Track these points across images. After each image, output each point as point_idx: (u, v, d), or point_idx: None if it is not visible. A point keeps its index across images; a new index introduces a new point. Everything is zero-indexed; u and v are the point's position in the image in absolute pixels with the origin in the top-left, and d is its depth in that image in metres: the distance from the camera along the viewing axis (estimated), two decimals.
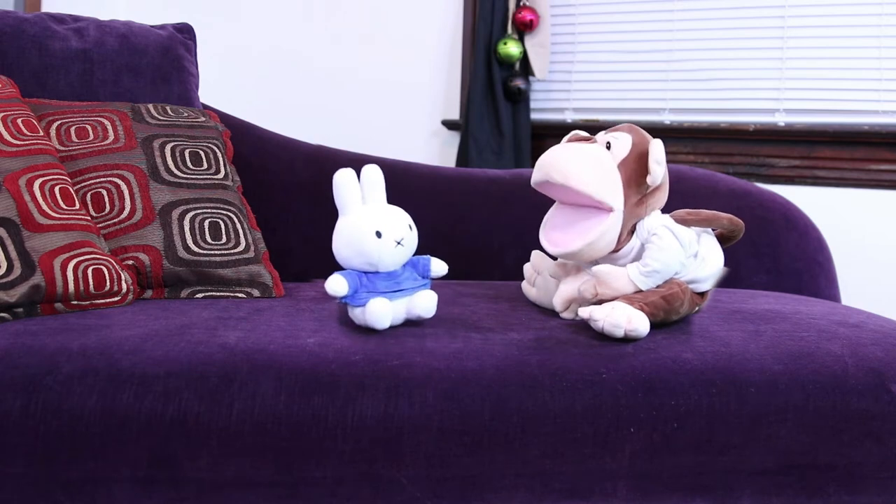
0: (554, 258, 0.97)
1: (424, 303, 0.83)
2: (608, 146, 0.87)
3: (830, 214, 2.00)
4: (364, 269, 0.81)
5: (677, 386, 0.74)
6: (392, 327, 0.82)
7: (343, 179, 0.82)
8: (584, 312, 0.80)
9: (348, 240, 0.81)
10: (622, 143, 0.87)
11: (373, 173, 0.84)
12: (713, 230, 0.92)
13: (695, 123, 2.20)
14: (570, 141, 0.89)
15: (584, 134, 0.91)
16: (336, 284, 0.79)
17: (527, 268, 1.01)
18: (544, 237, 0.88)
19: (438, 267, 0.87)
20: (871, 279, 2.02)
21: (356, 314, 0.82)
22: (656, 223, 0.86)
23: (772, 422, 0.74)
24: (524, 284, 1.02)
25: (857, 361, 0.78)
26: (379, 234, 0.79)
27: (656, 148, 0.85)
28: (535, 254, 1.00)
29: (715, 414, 0.73)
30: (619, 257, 0.87)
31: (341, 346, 0.76)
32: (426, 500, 0.71)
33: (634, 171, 0.85)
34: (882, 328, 0.87)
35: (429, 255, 0.87)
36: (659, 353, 0.77)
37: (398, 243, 0.80)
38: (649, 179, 0.84)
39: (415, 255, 0.86)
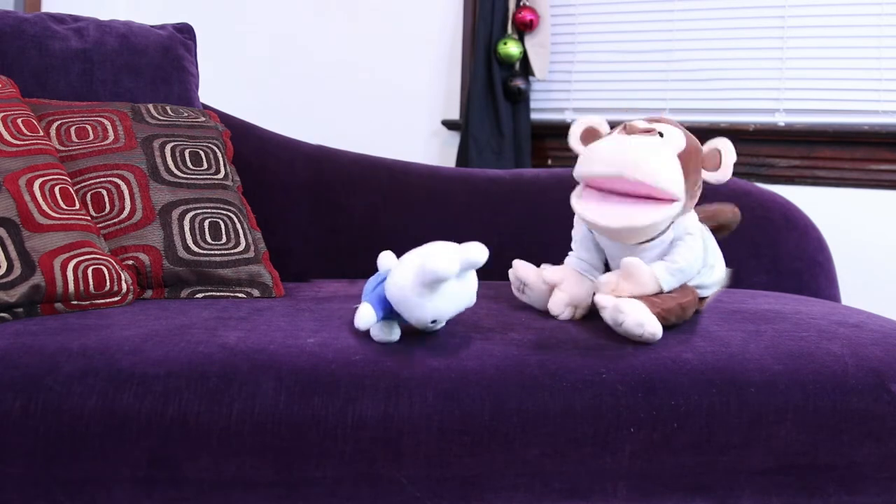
0: (536, 260, 0.96)
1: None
2: (661, 135, 0.83)
3: (830, 214, 2.00)
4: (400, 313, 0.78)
5: (677, 386, 0.74)
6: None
7: (442, 272, 0.71)
8: (605, 301, 0.78)
9: (407, 303, 0.74)
10: (675, 135, 0.83)
11: (478, 255, 0.73)
12: (708, 225, 0.92)
13: (695, 123, 2.20)
14: (626, 132, 0.83)
15: (643, 125, 0.84)
16: (365, 318, 0.76)
17: (511, 277, 0.97)
18: (593, 213, 0.80)
19: None
20: (871, 279, 2.02)
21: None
22: (693, 223, 0.85)
23: (772, 422, 0.74)
24: (514, 289, 0.98)
25: (857, 361, 0.78)
26: (434, 322, 0.77)
27: (730, 150, 0.84)
28: (518, 263, 0.95)
29: (715, 414, 0.73)
30: (649, 248, 0.84)
31: (341, 346, 0.76)
32: (426, 500, 0.71)
33: (691, 164, 0.82)
34: (882, 328, 0.87)
35: None
36: (659, 353, 0.77)
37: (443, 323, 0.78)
38: (714, 178, 0.83)
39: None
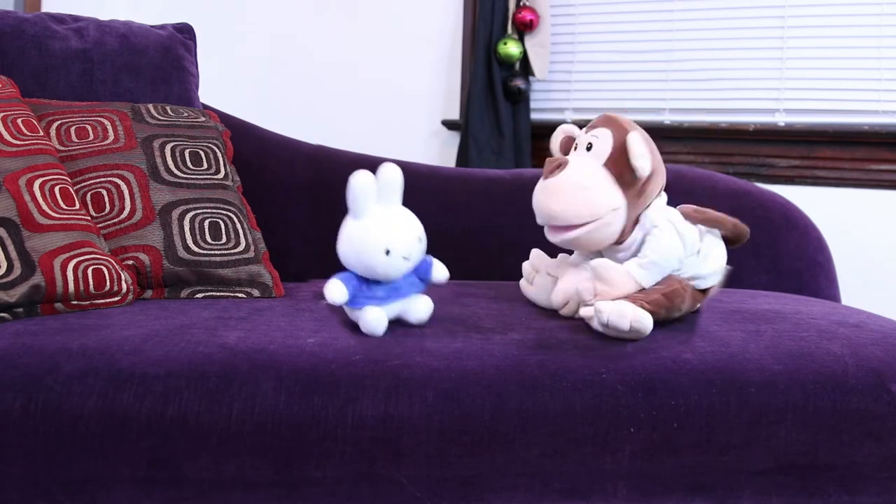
0: (554, 255, 0.98)
1: (419, 311, 0.83)
2: (589, 147, 0.87)
3: (830, 214, 1.99)
4: (366, 275, 0.80)
5: (677, 386, 0.74)
6: (390, 326, 0.82)
7: (360, 184, 0.78)
8: (586, 312, 0.79)
9: (355, 250, 0.79)
10: (603, 140, 0.86)
11: (390, 173, 0.81)
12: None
13: (695, 123, 2.20)
14: (552, 154, 0.89)
15: (554, 162, 0.87)
16: (335, 293, 0.78)
17: (526, 266, 1.01)
18: (547, 230, 0.89)
19: (439, 273, 0.85)
20: (871, 279, 2.02)
21: (352, 315, 0.83)
22: (660, 216, 0.86)
23: (772, 422, 0.74)
24: (522, 283, 1.02)
25: (857, 361, 0.78)
26: (388, 252, 0.78)
27: (634, 143, 0.83)
28: (535, 252, 1.00)
29: (715, 414, 0.73)
30: (622, 249, 0.88)
31: (341, 346, 0.76)
32: (426, 500, 0.71)
33: (623, 165, 0.84)
34: (882, 328, 0.87)
35: (431, 257, 0.85)
36: (659, 353, 0.77)
37: (405, 258, 0.79)
38: (637, 175, 0.84)
39: (437, 262, 0.86)
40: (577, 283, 0.88)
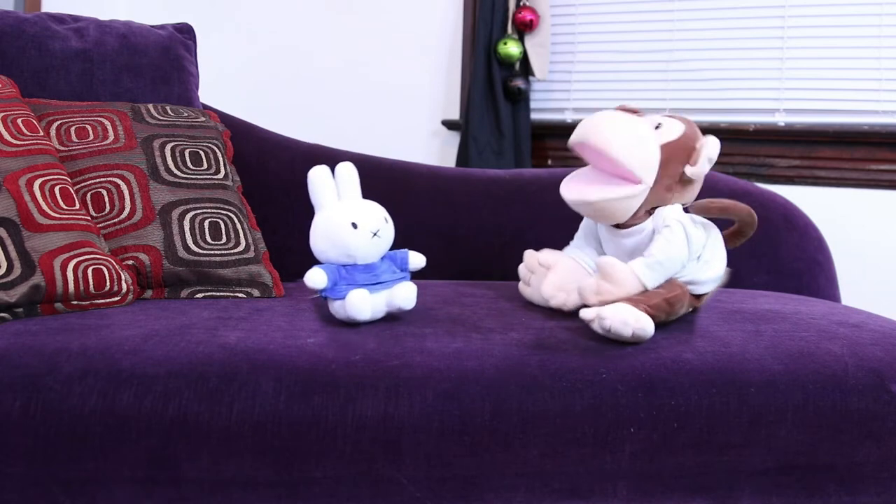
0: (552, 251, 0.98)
1: (404, 294, 0.84)
2: (658, 126, 0.87)
3: (830, 214, 2.00)
4: (342, 261, 0.83)
5: (677, 386, 0.74)
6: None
7: (317, 177, 0.85)
8: (588, 314, 0.79)
9: (325, 233, 0.83)
10: (674, 127, 0.87)
11: (346, 170, 0.87)
12: (732, 222, 0.92)
13: (695, 123, 2.19)
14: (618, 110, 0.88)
15: (634, 107, 0.90)
16: (315, 277, 0.81)
17: (521, 268, 1.01)
18: (564, 185, 0.87)
19: (416, 260, 0.89)
20: (871, 279, 2.02)
21: (336, 308, 0.83)
22: (673, 215, 0.85)
23: (771, 422, 0.74)
24: (520, 285, 1.02)
25: (857, 361, 0.78)
26: (355, 226, 0.82)
27: (713, 145, 0.86)
28: (528, 252, 1.01)
29: (715, 414, 0.73)
30: (627, 234, 0.87)
31: (341, 346, 0.76)
32: (426, 500, 0.71)
33: (676, 156, 0.85)
34: (882, 328, 0.87)
35: (406, 249, 0.89)
36: (659, 353, 0.77)
37: (374, 234, 0.82)
38: (690, 171, 0.85)
39: (412, 251, 0.89)
40: (578, 280, 0.88)
